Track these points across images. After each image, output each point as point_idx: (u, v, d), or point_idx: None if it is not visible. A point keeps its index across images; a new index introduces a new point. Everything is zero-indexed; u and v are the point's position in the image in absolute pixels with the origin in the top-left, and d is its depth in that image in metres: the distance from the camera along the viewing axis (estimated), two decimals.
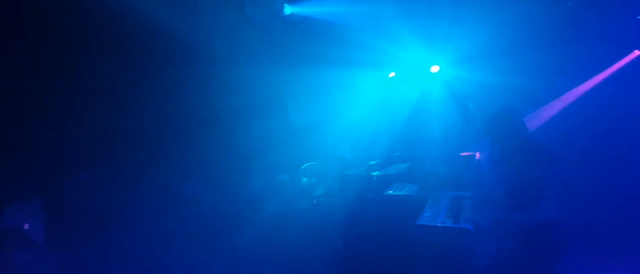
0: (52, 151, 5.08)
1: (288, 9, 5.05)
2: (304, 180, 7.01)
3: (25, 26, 3.94)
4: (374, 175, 4.67)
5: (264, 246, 5.65)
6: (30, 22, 3.89)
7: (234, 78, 5.60)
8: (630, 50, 5.00)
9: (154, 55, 4.87)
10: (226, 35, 5.00)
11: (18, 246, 4.20)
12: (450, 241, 3.14)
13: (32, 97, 4.61)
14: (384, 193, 3.98)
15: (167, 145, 5.12)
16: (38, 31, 4.01)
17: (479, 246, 3.63)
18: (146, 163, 5.02)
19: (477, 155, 4.72)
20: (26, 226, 4.27)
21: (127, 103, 4.88)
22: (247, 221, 6.24)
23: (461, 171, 4.45)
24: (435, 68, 6.03)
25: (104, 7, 4.34)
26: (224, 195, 5.82)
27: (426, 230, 3.26)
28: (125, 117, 4.79)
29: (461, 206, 3.62)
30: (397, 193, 3.90)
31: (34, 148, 4.84)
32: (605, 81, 4.87)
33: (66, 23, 4.22)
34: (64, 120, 4.76)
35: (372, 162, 5.22)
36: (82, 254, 4.49)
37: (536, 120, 4.14)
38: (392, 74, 6.51)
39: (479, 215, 3.31)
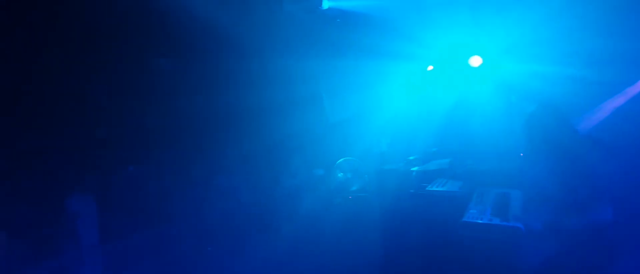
0: (103, 146, 5.37)
1: (326, 3, 5.03)
2: (340, 175, 7.01)
3: (76, 26, 4.16)
4: (413, 170, 4.59)
5: (300, 240, 5.71)
6: (86, 22, 4.10)
7: (271, 73, 5.67)
8: None
9: (198, 50, 5.02)
10: (265, 30, 5.06)
11: (72, 238, 4.44)
12: (498, 239, 3.03)
13: (80, 94, 4.92)
14: (426, 188, 3.89)
15: (209, 139, 5.27)
16: (84, 30, 4.22)
17: (529, 246, 3.49)
18: (191, 157, 5.19)
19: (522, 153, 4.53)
20: (80, 218, 4.51)
21: (174, 97, 5.08)
22: (283, 216, 6.34)
23: (506, 167, 4.27)
24: (477, 60, 5.81)
25: (147, 4, 4.50)
26: (261, 190, 5.93)
27: (472, 228, 3.16)
28: (171, 112, 4.99)
29: (508, 203, 3.49)
30: (439, 189, 3.80)
31: (86, 142, 5.14)
32: None
33: (111, 21, 4.42)
34: (112, 115, 5.01)
35: (411, 157, 5.12)
36: (129, 245, 4.72)
37: (597, 114, 3.88)
38: (431, 68, 6.35)
39: (528, 213, 3.17)
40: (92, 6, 4.16)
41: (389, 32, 5.74)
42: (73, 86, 4.80)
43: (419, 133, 5.79)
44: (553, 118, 3.46)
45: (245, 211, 5.63)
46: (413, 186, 4.11)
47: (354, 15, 5.43)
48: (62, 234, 4.28)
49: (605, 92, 3.99)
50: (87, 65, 4.53)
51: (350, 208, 6.55)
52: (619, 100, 3.91)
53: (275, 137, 5.99)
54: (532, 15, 4.51)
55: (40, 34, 3.91)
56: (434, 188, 3.83)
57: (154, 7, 4.56)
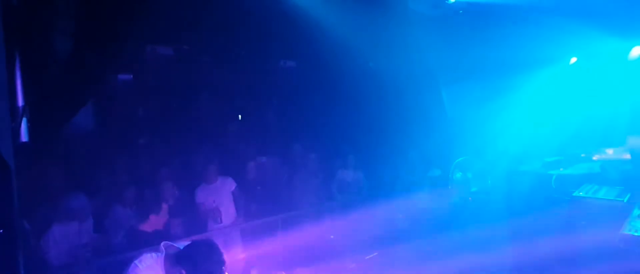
0: (238, 140, 6.14)
1: None
2: (458, 174, 6.72)
3: None
4: (552, 174, 4.17)
5: (410, 237, 5.63)
6: None
7: (392, 71, 5.73)
8: None
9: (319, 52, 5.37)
10: (393, 30, 5.14)
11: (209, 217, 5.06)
12: None
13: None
14: (573, 194, 3.51)
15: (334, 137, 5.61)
16: None
17: None
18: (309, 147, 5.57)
19: None
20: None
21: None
22: (398, 212, 6.34)
23: None
24: (636, 52, 4.92)
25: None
26: (381, 184, 6.04)
27: (636, 242, 2.77)
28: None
29: None
30: (591, 195, 3.40)
31: (219, 138, 5.94)
32: None
33: None
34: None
35: (549, 159, 4.65)
36: (259, 226, 5.26)
37: None
38: (574, 60, 5.60)
39: None
40: None
41: (524, 22, 5.27)
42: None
43: (557, 133, 5.19)
44: None
45: (362, 204, 5.81)
46: (556, 190, 3.74)
47: (484, 7, 5.12)
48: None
49: None
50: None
51: (469, 210, 6.24)
52: None
53: (398, 135, 6.04)
54: None
55: None
56: (585, 194, 3.44)
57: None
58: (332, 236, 5.42)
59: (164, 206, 4.43)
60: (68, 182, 3.86)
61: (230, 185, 5.15)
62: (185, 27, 5.17)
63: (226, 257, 1.92)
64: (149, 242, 3.25)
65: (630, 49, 5.00)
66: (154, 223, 4.26)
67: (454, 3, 4.97)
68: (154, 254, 1.89)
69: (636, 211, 3.13)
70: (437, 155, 6.31)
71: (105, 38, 3.60)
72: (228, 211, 5.05)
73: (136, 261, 1.86)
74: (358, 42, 5.36)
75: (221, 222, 4.84)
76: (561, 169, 4.11)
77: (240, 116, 6.41)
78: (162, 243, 1.93)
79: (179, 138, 5.28)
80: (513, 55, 5.58)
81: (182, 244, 1.98)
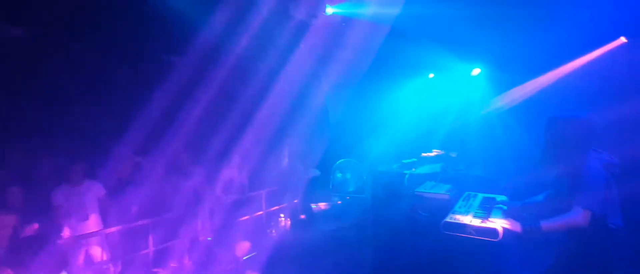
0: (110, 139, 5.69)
1: (329, 9, 5.25)
2: (338, 175, 7.19)
3: None
4: (406, 173, 4.75)
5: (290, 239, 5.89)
6: None
7: (276, 73, 5.92)
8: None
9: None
10: (270, 36, 5.31)
11: None
12: (477, 240, 3.18)
13: None
14: (415, 190, 4.06)
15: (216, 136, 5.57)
16: None
17: (508, 250, 3.64)
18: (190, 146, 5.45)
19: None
20: None
21: None
22: (280, 212, 6.53)
23: (496, 174, 4.42)
24: (476, 71, 5.97)
25: None
26: (264, 184, 6.17)
27: (452, 228, 3.33)
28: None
29: (492, 207, 3.63)
30: (427, 191, 3.97)
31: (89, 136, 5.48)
32: None
33: None
34: None
35: (406, 160, 5.29)
36: (134, 229, 4.97)
37: None
38: (432, 75, 6.52)
39: (510, 218, 3.30)
40: None
41: (393, 39, 5.93)
42: None
43: (416, 137, 5.96)
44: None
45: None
46: (406, 187, 4.28)
47: (359, 23, 5.63)
48: None
49: None
50: None
51: (345, 209, 6.73)
52: None
53: (278, 138, 6.23)
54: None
55: None
56: (422, 190, 4.00)
57: None
58: (209, 238, 5.36)
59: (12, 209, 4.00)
60: None
61: (98, 190, 4.81)
62: (44, 5, 4.62)
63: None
64: None
65: (472, 69, 6.06)
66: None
67: (330, 14, 5.35)
68: None
69: (457, 204, 3.75)
70: (318, 156, 6.68)
71: None
72: (92, 218, 4.71)
73: None
74: (242, 43, 5.44)
75: (80, 227, 4.52)
76: (413, 169, 4.69)
77: (113, 112, 5.94)
78: None
79: (26, 136, 4.70)
80: (386, 65, 6.25)
81: None
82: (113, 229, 4.68)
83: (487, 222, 3.22)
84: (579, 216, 2.80)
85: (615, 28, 4.84)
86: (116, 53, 5.67)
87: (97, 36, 5.35)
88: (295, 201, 6.53)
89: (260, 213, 6.15)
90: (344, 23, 5.66)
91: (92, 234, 4.49)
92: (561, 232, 3.01)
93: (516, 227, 3.11)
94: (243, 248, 5.53)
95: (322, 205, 6.92)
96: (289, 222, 6.55)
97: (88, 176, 4.66)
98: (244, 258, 5.56)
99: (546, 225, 2.92)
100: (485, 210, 3.58)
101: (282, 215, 6.39)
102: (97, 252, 4.63)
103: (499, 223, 3.19)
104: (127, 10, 4.98)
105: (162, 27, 5.36)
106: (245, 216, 5.90)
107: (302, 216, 6.88)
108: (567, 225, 2.85)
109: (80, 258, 4.53)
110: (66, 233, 4.37)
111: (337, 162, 7.04)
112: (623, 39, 4.82)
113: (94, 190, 4.71)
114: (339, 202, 6.81)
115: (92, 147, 5.35)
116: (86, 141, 5.41)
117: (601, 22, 4.62)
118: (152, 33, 5.49)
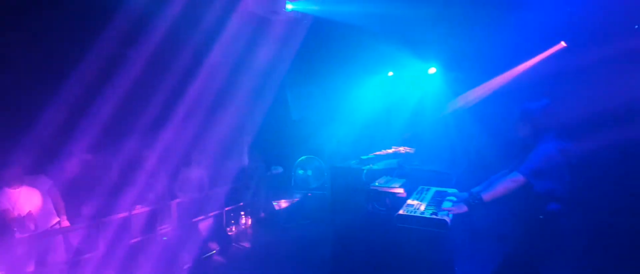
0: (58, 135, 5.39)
1: (289, 6, 5.26)
2: (300, 172, 7.23)
3: None
4: (364, 169, 4.84)
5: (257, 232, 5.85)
6: None
7: (234, 70, 5.84)
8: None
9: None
10: (234, 30, 5.23)
11: None
12: (427, 231, 3.32)
13: None
14: (371, 185, 4.16)
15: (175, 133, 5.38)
16: None
17: (455, 239, 3.82)
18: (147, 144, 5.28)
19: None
20: None
21: None
22: (240, 210, 6.46)
23: (449, 168, 4.61)
24: (432, 70, 6.19)
25: None
26: (223, 182, 6.08)
27: (404, 219, 3.45)
28: None
29: (442, 200, 3.80)
30: (382, 185, 4.08)
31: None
32: None
33: None
34: None
35: (364, 156, 5.39)
36: (87, 229, 4.76)
37: None
38: (391, 73, 6.68)
39: (457, 209, 3.46)
40: None
41: (353, 38, 6.02)
42: None
43: (374, 133, 6.08)
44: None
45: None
46: (364, 183, 4.36)
47: (319, 21, 5.67)
48: None
49: None
50: None
51: (308, 204, 6.77)
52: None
53: (238, 135, 6.15)
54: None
55: None
56: (378, 185, 4.10)
57: None
58: (165, 238, 5.22)
59: None
60: None
61: (44, 183, 4.59)
62: None
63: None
64: None
65: (428, 68, 6.28)
66: None
67: (291, 11, 5.35)
68: None
69: (411, 197, 3.88)
70: (281, 153, 6.68)
71: None
72: (46, 213, 4.49)
73: None
74: (200, 39, 5.32)
75: (34, 228, 4.29)
76: (371, 165, 4.79)
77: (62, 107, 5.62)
78: None
79: None
80: (347, 63, 6.34)
81: None
82: (69, 225, 4.50)
83: (438, 213, 3.37)
84: (511, 180, 3.02)
85: (557, 33, 5.16)
86: (58, 42, 5.36)
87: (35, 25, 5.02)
88: (256, 198, 6.50)
89: (219, 211, 6.06)
90: (305, 20, 5.68)
91: (50, 230, 4.30)
92: (499, 199, 3.16)
93: (462, 209, 3.29)
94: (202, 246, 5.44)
95: (283, 203, 6.94)
96: (249, 220, 6.51)
97: (31, 173, 4.42)
98: (203, 257, 5.46)
99: (486, 195, 3.12)
100: (437, 202, 3.74)
101: (242, 213, 6.32)
102: (58, 249, 4.43)
103: (447, 211, 3.35)
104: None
105: (114, 19, 5.14)
106: (204, 214, 5.79)
107: (262, 215, 6.89)
108: (504, 189, 3.05)
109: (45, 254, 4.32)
110: (21, 234, 4.14)
111: (299, 159, 7.08)
112: (563, 44, 5.14)
113: (40, 184, 4.50)
114: (296, 199, 6.85)
115: (37, 145, 5.06)
116: (29, 140, 5.10)
117: (545, 26, 4.93)
118: (103, 25, 5.25)
